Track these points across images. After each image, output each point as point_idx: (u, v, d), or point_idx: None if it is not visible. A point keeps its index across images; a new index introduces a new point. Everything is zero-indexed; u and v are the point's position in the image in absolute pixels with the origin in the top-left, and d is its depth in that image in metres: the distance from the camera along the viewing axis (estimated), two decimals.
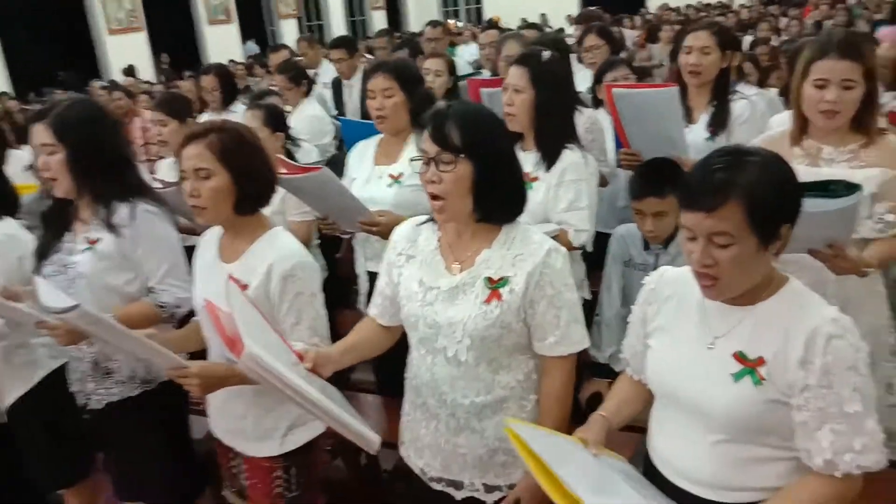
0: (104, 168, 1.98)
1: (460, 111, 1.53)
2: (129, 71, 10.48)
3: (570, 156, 2.26)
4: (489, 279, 1.56)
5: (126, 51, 11.02)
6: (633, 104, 2.52)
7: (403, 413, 1.78)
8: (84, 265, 1.98)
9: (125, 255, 2.01)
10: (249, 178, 1.74)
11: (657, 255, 2.40)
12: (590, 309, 2.62)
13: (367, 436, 1.47)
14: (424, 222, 1.71)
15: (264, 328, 1.54)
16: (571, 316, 1.58)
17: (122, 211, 2.00)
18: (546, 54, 2.29)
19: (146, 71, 11.20)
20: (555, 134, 2.28)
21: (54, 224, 2.07)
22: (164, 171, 3.27)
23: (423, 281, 1.63)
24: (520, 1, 17.91)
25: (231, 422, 1.91)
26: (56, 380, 2.20)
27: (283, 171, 2.43)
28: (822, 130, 1.95)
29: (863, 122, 1.92)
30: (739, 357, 1.31)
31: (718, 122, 2.68)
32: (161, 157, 3.46)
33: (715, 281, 1.28)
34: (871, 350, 2.02)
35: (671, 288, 1.46)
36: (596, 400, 1.68)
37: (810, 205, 1.54)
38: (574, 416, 1.69)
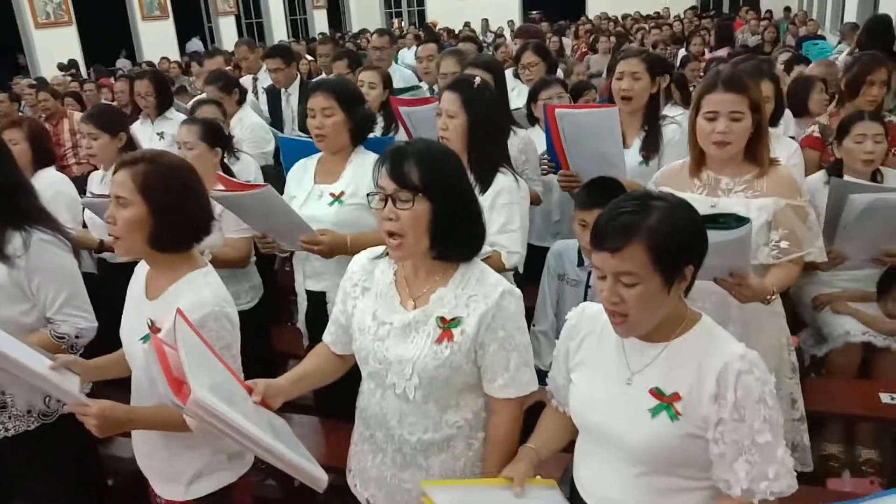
0: None
1: (420, 149, 1.53)
2: (69, 66, 10.08)
3: (502, 180, 2.32)
4: (442, 318, 1.57)
5: (55, 46, 10.60)
6: (574, 124, 2.59)
7: (352, 443, 1.78)
8: None
9: (20, 286, 1.94)
10: (169, 216, 1.66)
11: (589, 273, 2.48)
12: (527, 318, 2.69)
13: (315, 474, 1.45)
14: (382, 255, 1.69)
15: (212, 363, 1.50)
16: (521, 359, 1.59)
17: (15, 240, 1.94)
18: (477, 80, 2.34)
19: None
20: (488, 157, 2.33)
21: None
22: (96, 184, 3.18)
23: (376, 315, 1.63)
24: (462, 5, 18.05)
25: (141, 457, 1.88)
26: None
27: (222, 187, 2.41)
28: (718, 161, 2.07)
29: (755, 154, 2.04)
30: (656, 393, 1.37)
31: (651, 147, 2.78)
32: (95, 168, 3.35)
33: (624, 318, 1.34)
34: (775, 368, 2.18)
35: (591, 324, 1.51)
36: (538, 407, 1.73)
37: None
38: None
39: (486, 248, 2.27)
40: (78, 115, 5.50)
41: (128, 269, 1.91)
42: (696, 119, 2.04)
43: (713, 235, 1.65)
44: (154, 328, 1.69)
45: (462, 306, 1.56)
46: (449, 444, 1.62)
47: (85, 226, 3.04)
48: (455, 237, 1.55)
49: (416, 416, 1.60)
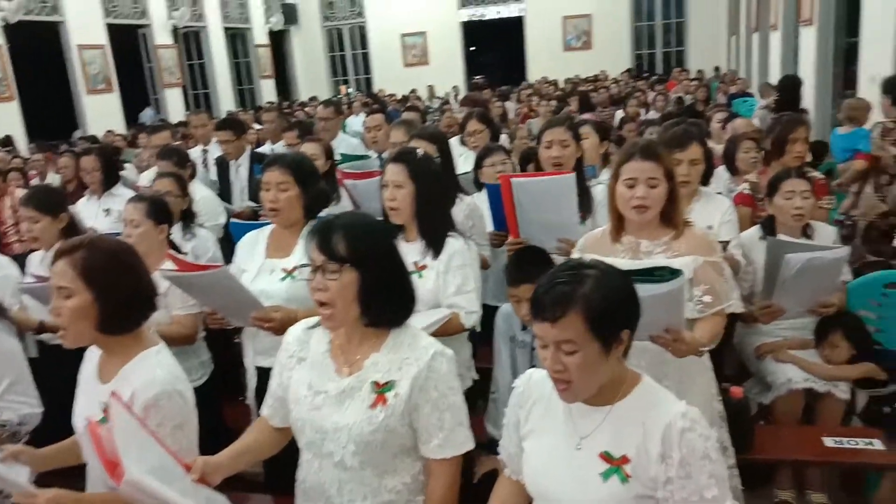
0: None
1: (346, 222, 1.59)
2: (5, 142, 9.92)
3: (453, 243, 2.39)
4: (375, 383, 1.60)
5: None
6: (529, 192, 2.68)
7: None
8: None
9: None
10: (115, 300, 1.66)
11: (534, 336, 2.53)
12: (483, 385, 2.71)
13: None
14: (316, 325, 1.73)
15: (148, 444, 1.50)
16: (456, 419, 1.63)
17: None
18: (420, 152, 2.43)
19: (20, 142, 10.63)
20: (438, 223, 2.41)
21: None
22: (35, 265, 3.12)
23: (311, 384, 1.65)
24: (407, 72, 18.52)
25: None
26: None
27: (172, 265, 2.41)
28: (637, 225, 2.19)
29: (670, 217, 2.17)
30: (605, 457, 1.41)
31: (584, 208, 2.90)
32: (34, 249, 3.28)
33: (568, 385, 1.39)
34: (707, 418, 2.24)
35: (538, 390, 1.56)
36: (492, 476, 1.74)
37: (641, 290, 1.71)
38: (465, 497, 1.73)
39: (444, 311, 2.34)
40: (20, 192, 5.40)
41: (69, 351, 1.88)
42: (615, 186, 2.16)
43: (650, 288, 1.73)
44: (108, 411, 1.66)
45: (395, 370, 1.60)
46: None
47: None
48: (384, 304, 1.60)
49: (354, 484, 1.61)
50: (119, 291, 1.67)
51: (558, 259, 2.53)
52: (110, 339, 1.71)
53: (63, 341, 1.71)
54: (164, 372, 1.71)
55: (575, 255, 2.30)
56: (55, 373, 2.01)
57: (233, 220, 3.62)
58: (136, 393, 1.65)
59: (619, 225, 2.22)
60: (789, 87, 5.45)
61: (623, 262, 2.09)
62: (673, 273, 1.81)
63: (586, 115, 6.97)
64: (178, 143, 6.24)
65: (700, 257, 2.12)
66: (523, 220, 2.76)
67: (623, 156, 2.17)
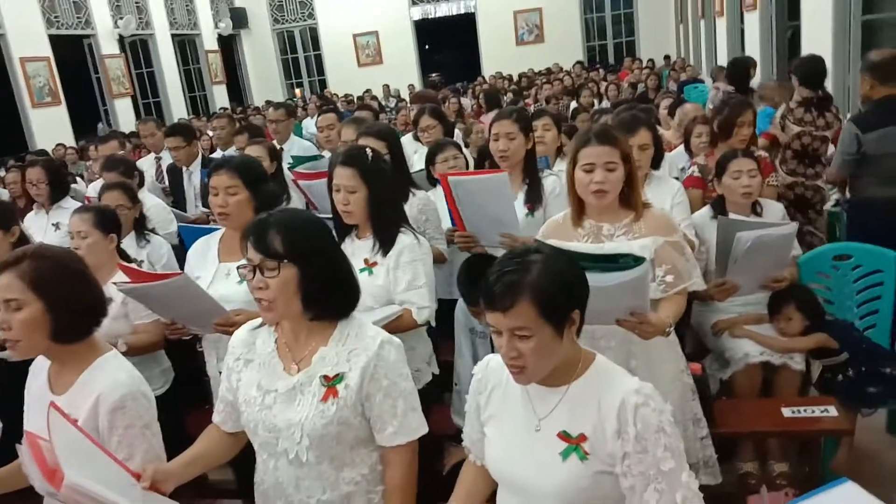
0: None
1: (281, 219, 1.60)
2: None
3: (403, 239, 2.37)
4: (325, 377, 1.61)
5: None
6: (467, 190, 2.71)
7: None
8: None
9: None
10: (67, 308, 1.64)
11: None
12: (447, 377, 2.72)
13: None
14: (261, 325, 1.73)
15: (92, 453, 1.48)
16: (408, 405, 1.65)
17: None
18: (369, 152, 2.40)
19: None
20: (389, 222, 2.39)
21: None
22: None
23: (261, 385, 1.65)
24: (361, 72, 18.44)
25: None
26: None
27: (125, 277, 2.36)
28: (597, 209, 2.21)
29: (629, 199, 2.20)
30: (563, 436, 1.44)
31: (534, 199, 2.94)
32: None
33: (522, 369, 1.41)
34: (679, 393, 2.29)
35: (496, 376, 1.57)
36: (461, 467, 1.75)
37: (606, 279, 1.74)
38: (434, 489, 1.74)
39: (395, 307, 2.33)
40: None
41: (12, 367, 1.83)
42: (573, 172, 2.17)
43: (616, 277, 1.76)
44: (72, 420, 1.63)
45: (343, 362, 1.61)
46: (349, 501, 1.65)
47: None
48: (327, 297, 1.61)
49: (311, 479, 1.62)
50: (70, 299, 1.65)
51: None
52: (63, 348, 1.69)
53: (15, 355, 1.68)
54: (126, 375, 1.71)
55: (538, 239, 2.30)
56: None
57: (180, 224, 3.55)
58: (101, 397, 1.64)
59: (579, 210, 2.23)
60: (740, 69, 5.62)
61: (585, 247, 2.11)
62: (636, 260, 1.83)
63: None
64: (127, 152, 6.11)
65: (660, 238, 2.15)
66: (466, 216, 2.79)
67: (579, 141, 2.18)
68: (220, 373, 2.47)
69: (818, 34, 6.55)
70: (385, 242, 2.36)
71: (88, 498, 1.32)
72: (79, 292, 1.69)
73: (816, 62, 4.32)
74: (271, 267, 1.55)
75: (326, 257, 1.63)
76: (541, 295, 1.37)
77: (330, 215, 2.42)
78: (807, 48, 6.96)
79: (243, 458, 1.85)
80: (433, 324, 2.46)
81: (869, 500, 1.23)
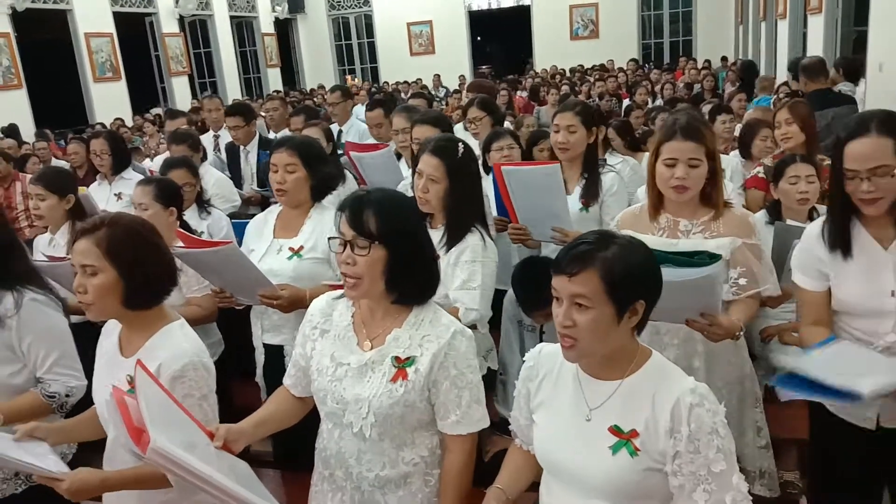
0: None
1: (378, 199, 1.61)
2: (10, 131, 9.98)
3: (470, 238, 2.36)
4: (396, 358, 1.63)
5: (4, 110, 10.51)
6: (520, 180, 2.69)
7: (312, 483, 1.81)
8: None
9: (10, 347, 1.95)
10: (139, 275, 1.70)
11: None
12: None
13: None
14: (340, 297, 1.75)
15: (172, 411, 1.53)
16: (473, 396, 1.66)
17: (6, 300, 1.95)
18: (461, 147, 2.39)
19: (28, 131, 10.69)
20: (463, 219, 2.38)
21: None
22: (43, 247, 3.13)
23: (334, 356, 1.68)
24: (413, 61, 18.49)
25: None
26: None
27: (181, 244, 2.44)
28: (676, 204, 2.16)
29: (710, 197, 2.15)
30: (615, 430, 1.44)
31: (590, 194, 2.92)
32: (43, 231, 3.31)
33: (574, 342, 1.40)
34: (739, 398, 2.26)
35: (548, 364, 1.58)
36: (502, 456, 1.77)
37: (679, 273, 1.71)
38: (476, 474, 1.76)
39: (446, 303, 2.33)
40: (30, 177, 5.45)
41: (86, 328, 1.89)
42: (655, 165, 2.13)
43: (688, 272, 1.74)
44: (134, 384, 1.70)
45: (416, 346, 1.63)
46: (406, 480, 1.67)
47: None
48: (410, 281, 1.63)
49: (372, 454, 1.65)
50: (143, 267, 1.71)
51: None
52: (133, 314, 1.75)
53: (89, 316, 1.75)
54: (189, 344, 1.76)
55: (612, 229, 2.25)
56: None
57: (233, 222, 3.60)
58: (163, 365, 1.69)
59: (657, 203, 2.19)
60: (749, 70, 6.15)
61: (660, 241, 2.08)
62: (712, 257, 1.80)
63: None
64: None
65: (738, 239, 2.09)
66: (519, 207, 2.77)
67: (664, 134, 2.12)
68: (264, 345, 2.57)
69: (886, 40, 6.35)
70: (452, 238, 2.36)
71: (172, 462, 1.34)
72: (151, 261, 1.74)
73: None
74: (362, 245, 1.57)
75: (416, 243, 1.65)
76: (610, 272, 1.36)
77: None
78: (873, 54, 6.76)
79: (283, 430, 1.88)
80: (480, 328, 2.42)
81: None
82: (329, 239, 1.65)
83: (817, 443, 2.12)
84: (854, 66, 6.25)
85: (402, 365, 1.62)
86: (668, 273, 1.56)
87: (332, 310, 1.75)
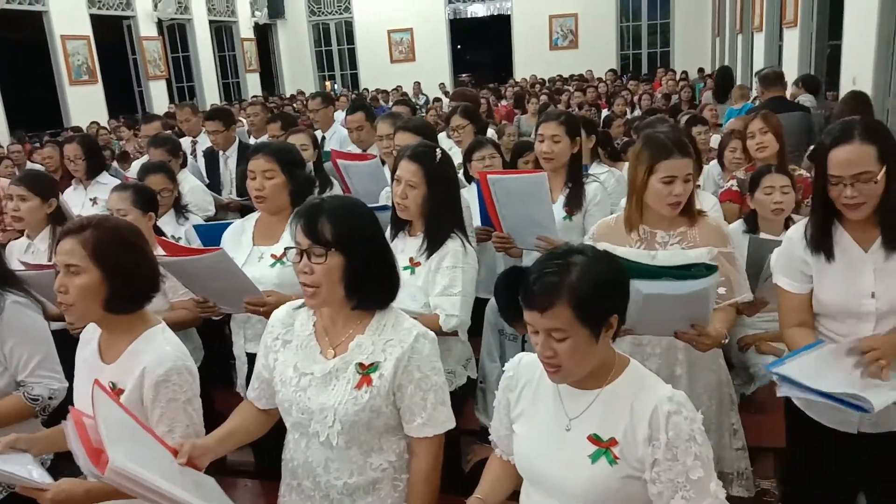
0: None
1: (332, 206, 1.61)
2: None
3: (450, 244, 2.36)
4: (360, 364, 1.63)
5: None
6: (505, 189, 2.69)
7: (280, 495, 1.80)
8: None
9: None
10: (123, 278, 1.69)
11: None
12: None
13: None
14: (301, 306, 1.75)
15: (133, 430, 1.51)
16: (438, 399, 1.66)
17: None
18: (438, 153, 2.39)
19: (1, 133, 10.52)
20: (442, 225, 2.38)
21: None
22: (18, 253, 3.05)
23: (297, 366, 1.68)
24: (393, 68, 18.50)
25: None
26: None
27: (162, 252, 2.40)
28: (655, 216, 2.19)
29: (687, 208, 2.19)
30: (594, 439, 1.45)
31: (574, 204, 2.93)
32: (19, 235, 3.25)
33: (558, 368, 1.42)
34: (717, 402, 2.28)
35: (528, 374, 1.58)
36: (483, 465, 1.77)
37: (680, 287, 1.73)
38: (457, 484, 1.76)
39: (420, 309, 2.32)
40: (5, 181, 5.35)
41: (64, 334, 1.87)
42: (647, 181, 2.14)
43: (689, 284, 1.76)
44: (117, 391, 1.68)
45: (379, 351, 1.63)
46: (375, 486, 1.67)
47: None
48: (369, 287, 1.63)
49: (340, 462, 1.65)
50: (127, 270, 1.70)
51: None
52: (115, 318, 1.73)
53: (69, 318, 1.74)
54: (172, 348, 1.75)
55: (587, 242, 2.27)
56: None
57: (194, 224, 3.57)
58: (147, 369, 1.68)
59: (639, 215, 2.21)
60: (725, 76, 7.20)
61: (638, 254, 2.07)
62: (709, 269, 1.82)
63: None
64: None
65: (715, 248, 2.09)
66: (504, 215, 2.77)
67: (659, 152, 2.13)
68: (247, 354, 2.54)
69: (859, 53, 6.47)
70: (432, 244, 2.36)
71: (132, 482, 1.32)
72: (136, 264, 1.73)
73: None
74: (318, 253, 1.57)
75: (373, 248, 1.65)
76: (578, 299, 1.37)
77: (378, 203, 2.43)
78: (847, 67, 6.88)
79: (262, 439, 1.87)
80: (461, 335, 2.42)
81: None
82: (286, 249, 1.65)
83: (793, 445, 2.15)
84: (815, 82, 6.75)
85: (366, 371, 1.63)
86: (668, 287, 1.57)
87: (294, 320, 1.75)
